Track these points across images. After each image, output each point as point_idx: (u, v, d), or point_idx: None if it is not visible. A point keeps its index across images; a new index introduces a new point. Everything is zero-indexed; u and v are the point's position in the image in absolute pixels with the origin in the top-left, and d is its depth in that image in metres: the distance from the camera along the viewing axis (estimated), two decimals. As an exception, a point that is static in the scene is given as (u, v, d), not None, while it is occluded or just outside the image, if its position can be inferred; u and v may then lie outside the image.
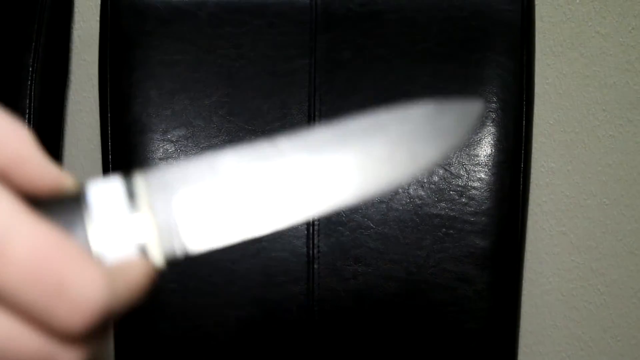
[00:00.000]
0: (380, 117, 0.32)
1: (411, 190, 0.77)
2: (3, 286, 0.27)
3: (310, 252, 0.77)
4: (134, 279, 0.30)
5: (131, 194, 0.30)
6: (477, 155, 0.77)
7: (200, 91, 0.77)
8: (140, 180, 0.31)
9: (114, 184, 0.31)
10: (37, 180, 0.31)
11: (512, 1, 0.77)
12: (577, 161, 0.94)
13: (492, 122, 0.77)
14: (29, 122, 0.81)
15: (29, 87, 0.82)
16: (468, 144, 0.77)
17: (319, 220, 0.77)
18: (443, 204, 0.77)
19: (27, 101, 0.81)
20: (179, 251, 0.31)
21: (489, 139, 0.77)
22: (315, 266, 0.77)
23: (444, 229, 0.77)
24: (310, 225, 0.77)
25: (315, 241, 0.77)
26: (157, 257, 0.30)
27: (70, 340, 0.29)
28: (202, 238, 0.31)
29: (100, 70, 0.79)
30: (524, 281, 0.83)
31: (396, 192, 0.77)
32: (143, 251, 0.30)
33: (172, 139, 0.77)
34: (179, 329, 0.79)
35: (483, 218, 0.77)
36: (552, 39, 0.91)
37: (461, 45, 0.77)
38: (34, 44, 0.82)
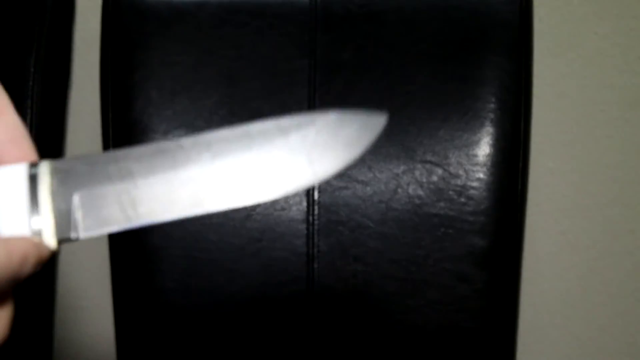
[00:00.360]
0: (282, 122, 0.33)
1: (410, 190, 0.77)
2: None
3: (310, 251, 0.77)
4: (18, 250, 0.31)
5: (34, 179, 0.32)
6: (476, 155, 0.77)
7: (201, 91, 0.77)
8: (46, 166, 0.32)
9: (20, 169, 0.32)
10: None
11: (511, 2, 0.78)
12: (576, 161, 0.95)
13: (490, 123, 0.77)
14: (30, 122, 0.81)
15: (30, 87, 0.82)
16: (467, 144, 0.77)
17: (318, 219, 0.77)
18: (442, 204, 0.77)
19: (29, 102, 0.82)
20: (73, 234, 0.32)
21: (488, 139, 0.77)
22: (315, 265, 0.78)
23: (442, 229, 0.77)
24: (309, 224, 0.77)
25: (315, 240, 0.77)
26: (50, 239, 0.32)
27: None
28: (100, 221, 0.32)
29: (101, 71, 0.80)
30: (522, 280, 0.84)
31: (395, 192, 0.77)
32: (37, 233, 0.31)
33: (173, 139, 0.77)
34: (179, 328, 0.79)
35: (482, 218, 0.77)
36: (550, 40, 0.91)
37: (460, 46, 0.78)
38: (35, 44, 0.82)
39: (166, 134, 0.77)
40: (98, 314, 0.98)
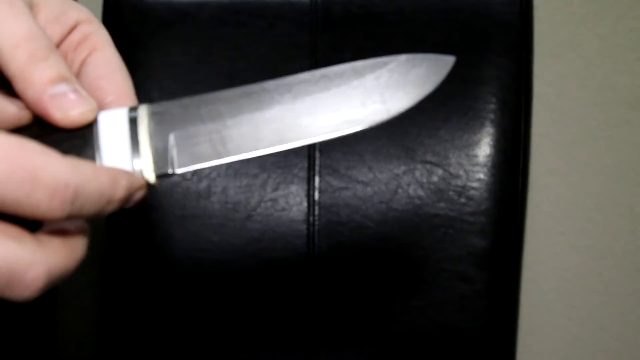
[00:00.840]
0: (356, 65, 0.36)
1: (410, 191, 0.77)
2: None
3: (311, 251, 0.78)
4: (106, 172, 0.33)
5: (134, 122, 0.35)
6: (476, 156, 0.77)
7: (202, 91, 0.77)
8: (144, 110, 0.35)
9: (121, 113, 0.35)
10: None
11: (511, 3, 0.78)
12: (576, 162, 0.95)
13: (491, 123, 0.77)
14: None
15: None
16: (467, 144, 0.77)
17: (319, 220, 0.78)
18: (442, 204, 0.77)
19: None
20: (169, 170, 0.35)
21: (488, 139, 0.77)
22: (316, 265, 0.78)
23: (443, 229, 0.77)
24: (310, 225, 0.78)
25: (316, 241, 0.78)
26: (150, 175, 0.35)
27: (41, 246, 0.32)
28: (193, 158, 0.35)
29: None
30: (522, 281, 0.84)
31: (396, 193, 0.77)
32: (138, 172, 0.34)
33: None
34: (181, 328, 0.79)
35: (482, 218, 0.77)
36: (550, 41, 0.91)
37: (460, 47, 0.78)
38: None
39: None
40: (98, 315, 0.98)
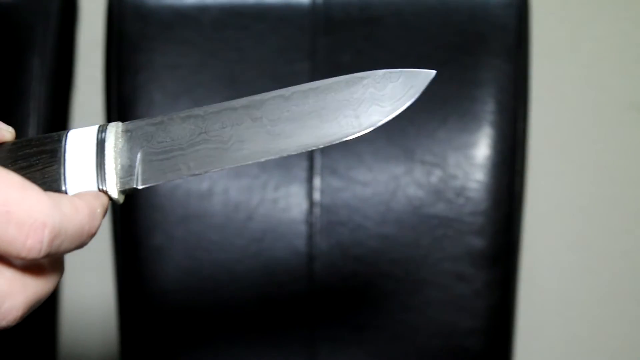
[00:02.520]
0: (331, 81, 0.36)
1: (409, 191, 0.77)
2: None
3: (311, 251, 0.78)
4: (85, 205, 0.32)
5: (102, 140, 0.35)
6: (474, 157, 0.77)
7: (203, 93, 0.78)
8: (114, 127, 0.35)
9: (90, 130, 0.35)
10: None
11: (508, 6, 0.78)
12: (573, 162, 0.95)
13: (489, 124, 0.77)
14: (36, 123, 0.81)
15: (33, 89, 0.82)
16: (466, 145, 0.77)
17: (319, 220, 0.78)
18: (441, 205, 0.77)
19: (32, 103, 0.82)
20: (134, 185, 0.35)
21: (486, 140, 0.77)
22: (316, 265, 0.78)
23: (441, 229, 0.77)
24: (310, 225, 0.78)
25: (316, 241, 0.78)
26: (114, 192, 0.34)
27: (20, 275, 0.31)
28: (159, 172, 0.35)
29: (105, 73, 0.80)
30: (520, 280, 0.84)
31: (395, 193, 0.77)
32: (102, 187, 0.34)
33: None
34: (182, 327, 0.79)
35: (480, 218, 0.77)
36: (547, 43, 0.92)
37: (458, 49, 0.78)
38: (38, 47, 0.83)
39: (169, 135, 0.77)
40: (101, 314, 0.98)
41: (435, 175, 0.77)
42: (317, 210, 0.78)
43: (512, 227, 0.80)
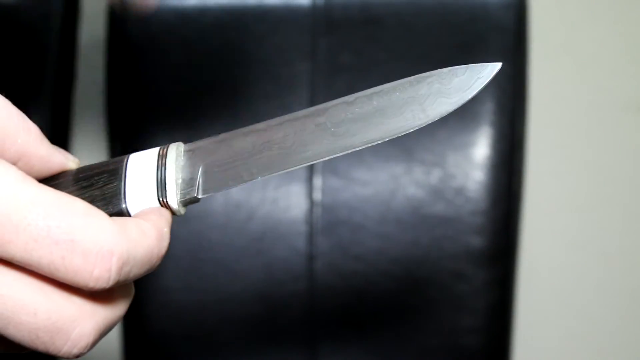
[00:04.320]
0: (395, 83, 0.37)
1: (409, 191, 0.78)
2: (18, 254, 0.28)
3: (311, 251, 0.78)
4: (152, 226, 0.31)
5: (163, 156, 0.34)
6: (474, 156, 0.78)
7: (204, 94, 0.78)
8: (174, 146, 0.35)
9: (151, 151, 0.35)
10: (43, 167, 0.32)
11: (507, 6, 0.78)
12: (571, 162, 0.95)
13: (488, 124, 0.78)
14: (40, 124, 0.82)
15: (34, 90, 0.82)
16: (465, 145, 0.78)
17: (319, 220, 0.78)
18: (440, 204, 0.78)
19: (33, 104, 0.82)
20: (196, 194, 0.34)
21: (485, 140, 0.78)
22: (316, 265, 0.78)
23: (441, 229, 0.78)
24: (311, 225, 0.78)
25: (316, 240, 0.78)
26: (174, 202, 0.34)
27: (89, 300, 0.30)
28: (221, 181, 0.35)
29: (106, 74, 0.80)
30: (519, 279, 0.84)
31: (394, 193, 0.78)
32: (162, 199, 0.33)
33: (177, 140, 0.77)
34: (183, 326, 0.79)
35: (479, 218, 0.78)
36: (546, 43, 0.92)
37: (458, 49, 0.78)
38: (40, 49, 0.83)
39: (170, 135, 0.77)
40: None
41: (435, 175, 0.77)
42: (317, 210, 0.78)
43: (511, 227, 0.80)
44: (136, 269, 0.30)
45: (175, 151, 0.35)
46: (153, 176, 0.33)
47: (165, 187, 0.33)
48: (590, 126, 0.95)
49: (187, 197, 0.34)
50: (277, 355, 0.80)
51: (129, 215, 0.32)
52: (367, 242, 0.78)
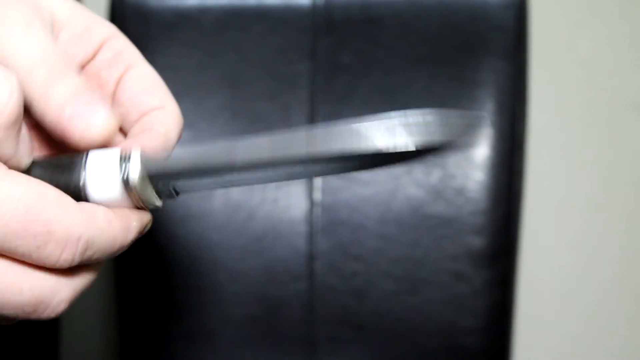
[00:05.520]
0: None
1: (409, 191, 0.78)
2: None
3: (311, 251, 0.78)
4: (119, 218, 0.33)
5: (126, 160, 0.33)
6: (474, 156, 0.78)
7: (204, 94, 0.78)
8: (137, 152, 0.34)
9: (112, 151, 0.34)
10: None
11: (508, 6, 0.78)
12: (572, 162, 0.95)
13: (488, 124, 0.78)
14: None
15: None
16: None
17: (319, 220, 0.78)
18: (440, 204, 0.77)
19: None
20: (169, 193, 0.34)
21: (486, 140, 0.78)
22: (316, 265, 0.78)
23: (441, 229, 0.78)
24: (311, 225, 0.78)
25: (316, 240, 0.78)
26: (146, 199, 0.33)
27: (64, 274, 0.32)
28: (192, 183, 0.34)
29: (106, 73, 0.80)
30: (520, 279, 0.84)
31: (395, 193, 0.78)
32: (133, 195, 0.33)
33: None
34: (183, 326, 0.79)
35: (480, 218, 0.78)
36: (546, 43, 0.92)
37: (458, 49, 0.78)
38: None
39: (170, 135, 0.77)
40: (101, 313, 0.99)
41: (435, 175, 0.77)
42: (317, 210, 0.78)
43: (512, 227, 0.80)
44: (98, 254, 0.32)
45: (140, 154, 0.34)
46: (116, 163, 0.33)
47: (128, 167, 0.33)
48: (591, 126, 0.95)
49: (162, 195, 0.34)
50: (277, 355, 0.80)
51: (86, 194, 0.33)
52: (367, 242, 0.78)
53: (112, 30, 0.40)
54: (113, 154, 0.33)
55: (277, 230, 0.78)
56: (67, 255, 0.31)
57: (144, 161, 0.34)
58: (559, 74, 0.94)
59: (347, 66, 0.78)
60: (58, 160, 0.34)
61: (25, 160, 0.33)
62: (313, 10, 0.79)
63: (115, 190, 0.33)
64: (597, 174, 0.96)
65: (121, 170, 0.33)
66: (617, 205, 0.96)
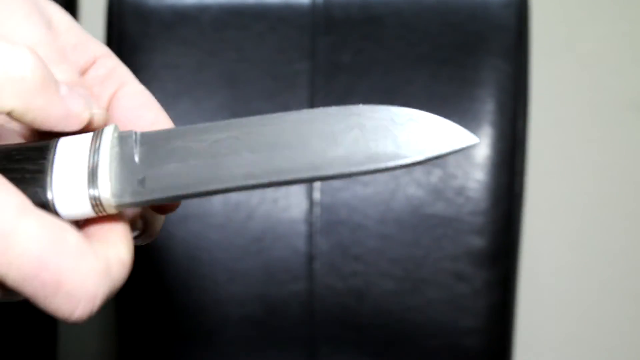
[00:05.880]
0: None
1: (409, 191, 0.78)
2: (8, 283, 0.29)
3: (311, 251, 0.78)
4: (128, 253, 0.32)
5: (97, 147, 0.31)
6: (474, 156, 0.78)
7: (203, 93, 0.78)
8: (109, 132, 0.32)
9: (85, 138, 0.32)
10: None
11: (508, 5, 0.79)
12: (572, 162, 0.95)
13: (488, 124, 0.78)
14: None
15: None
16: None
17: (319, 220, 0.78)
18: (441, 204, 0.78)
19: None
20: (138, 199, 0.31)
21: (486, 140, 0.78)
22: (316, 265, 0.78)
23: (441, 229, 0.78)
24: (310, 224, 0.78)
25: (316, 240, 0.78)
26: (110, 206, 0.31)
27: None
28: (166, 187, 0.31)
29: (105, 73, 0.80)
30: (520, 279, 0.84)
31: (394, 193, 0.78)
32: (97, 203, 0.31)
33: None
34: (182, 327, 0.80)
35: (480, 218, 0.78)
36: (547, 43, 0.92)
37: (458, 49, 0.78)
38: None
39: (169, 135, 0.77)
40: (100, 313, 0.98)
41: (435, 175, 0.77)
42: (317, 210, 0.78)
43: (512, 227, 0.80)
44: (109, 297, 0.31)
45: (111, 137, 0.32)
46: (85, 165, 0.31)
47: (96, 179, 0.31)
48: (592, 126, 0.95)
49: (122, 201, 0.31)
50: (277, 355, 0.80)
51: (53, 206, 0.31)
52: (367, 242, 0.78)
53: (106, 50, 0.40)
54: (80, 165, 0.31)
55: (277, 230, 0.78)
56: (82, 313, 0.29)
57: (115, 191, 0.31)
58: (559, 73, 0.94)
59: (347, 65, 0.78)
60: (18, 154, 0.31)
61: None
62: (313, 9, 0.79)
63: (85, 209, 0.31)
64: (598, 173, 0.96)
65: (89, 192, 0.31)
66: (617, 205, 0.96)
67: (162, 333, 0.80)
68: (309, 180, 0.32)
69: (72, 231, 0.29)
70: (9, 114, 0.31)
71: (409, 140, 0.32)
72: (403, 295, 0.78)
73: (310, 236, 0.78)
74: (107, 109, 0.37)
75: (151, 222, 0.36)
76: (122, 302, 0.82)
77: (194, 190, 0.31)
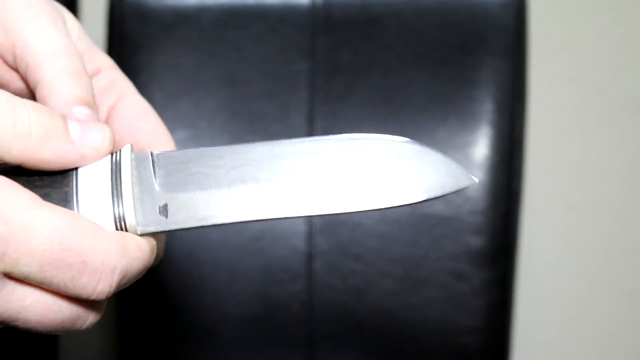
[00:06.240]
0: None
1: (409, 190, 0.78)
2: (32, 275, 0.30)
3: (311, 250, 0.78)
4: (147, 242, 0.33)
5: (118, 173, 0.33)
6: (473, 156, 0.78)
7: (203, 93, 0.78)
8: (127, 156, 0.33)
9: (104, 163, 0.33)
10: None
11: (507, 6, 0.79)
12: (571, 161, 0.96)
13: (487, 124, 0.78)
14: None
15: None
16: (465, 144, 0.78)
17: (319, 219, 0.78)
18: (440, 204, 0.78)
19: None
20: (160, 228, 0.33)
21: (485, 140, 0.78)
22: (315, 264, 0.78)
23: (440, 228, 0.78)
24: (310, 224, 0.78)
25: (316, 240, 0.78)
26: (134, 233, 0.33)
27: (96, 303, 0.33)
28: (189, 215, 0.33)
29: (105, 73, 0.80)
30: (519, 279, 0.84)
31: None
32: (122, 228, 0.32)
33: (176, 139, 0.78)
34: (182, 326, 0.80)
35: (479, 217, 0.78)
36: (545, 43, 0.92)
37: (457, 49, 0.78)
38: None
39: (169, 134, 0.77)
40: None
41: (434, 175, 0.77)
42: (316, 210, 0.78)
43: (511, 226, 0.80)
44: (130, 280, 0.33)
45: (129, 160, 0.33)
46: (108, 206, 0.32)
47: (122, 207, 0.32)
48: (590, 125, 0.95)
49: (147, 229, 0.33)
50: (277, 354, 0.80)
51: None
52: (367, 241, 0.78)
53: (111, 62, 0.41)
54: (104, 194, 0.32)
55: (277, 230, 0.78)
56: (103, 287, 0.31)
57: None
58: (558, 73, 0.94)
59: (347, 65, 0.78)
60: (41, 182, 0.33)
61: None
62: (312, 9, 0.79)
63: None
64: (596, 173, 0.96)
65: (116, 222, 0.33)
66: (616, 205, 0.97)
67: (162, 332, 0.80)
68: (314, 215, 0.34)
69: (82, 216, 0.31)
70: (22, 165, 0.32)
71: (413, 181, 0.34)
72: (402, 294, 0.78)
73: (310, 236, 0.78)
74: (106, 120, 0.38)
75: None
76: (122, 301, 0.82)
77: (213, 222, 0.33)
